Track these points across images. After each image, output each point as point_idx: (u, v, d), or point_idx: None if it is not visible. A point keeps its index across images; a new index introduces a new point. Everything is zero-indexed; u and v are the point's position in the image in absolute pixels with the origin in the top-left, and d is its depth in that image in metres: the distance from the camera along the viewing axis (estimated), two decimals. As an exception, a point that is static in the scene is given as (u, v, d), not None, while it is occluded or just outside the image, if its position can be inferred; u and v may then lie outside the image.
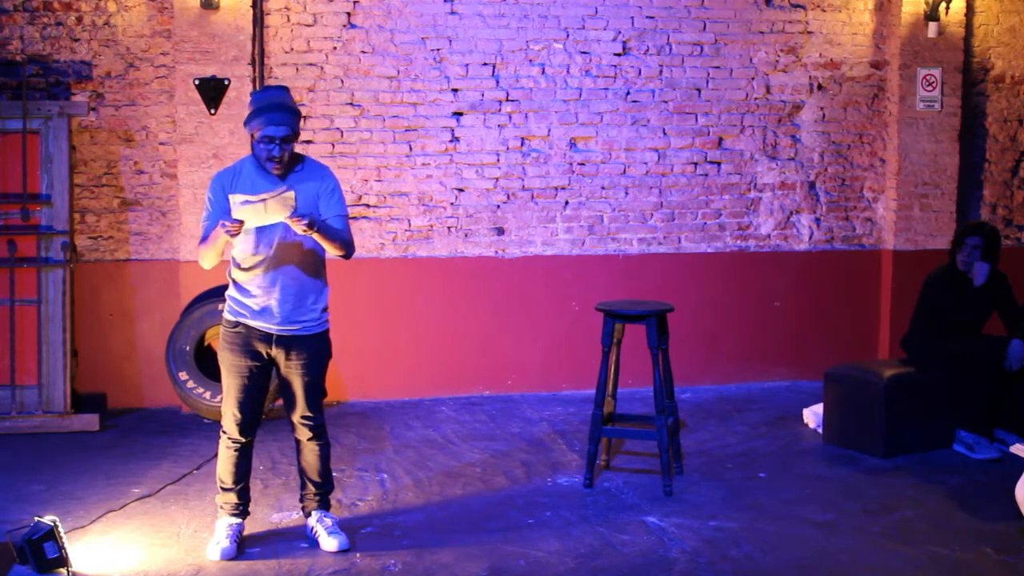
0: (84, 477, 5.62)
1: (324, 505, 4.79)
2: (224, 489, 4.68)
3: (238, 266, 4.52)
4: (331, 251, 4.49)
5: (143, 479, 5.60)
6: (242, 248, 4.47)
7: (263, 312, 4.49)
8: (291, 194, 4.23)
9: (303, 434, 4.68)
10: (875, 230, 8.11)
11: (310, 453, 4.72)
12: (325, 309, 4.63)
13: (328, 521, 4.73)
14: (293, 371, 4.57)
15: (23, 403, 6.52)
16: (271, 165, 4.40)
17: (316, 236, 4.34)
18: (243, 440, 4.63)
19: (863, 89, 8.00)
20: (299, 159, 4.55)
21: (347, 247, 4.50)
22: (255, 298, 4.49)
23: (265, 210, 4.20)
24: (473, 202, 7.47)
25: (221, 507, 4.70)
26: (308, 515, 4.78)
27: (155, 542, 4.71)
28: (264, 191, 4.32)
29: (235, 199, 4.25)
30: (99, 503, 5.20)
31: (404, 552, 4.62)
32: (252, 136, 4.42)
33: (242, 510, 4.72)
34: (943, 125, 7.97)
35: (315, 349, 4.59)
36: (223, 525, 4.66)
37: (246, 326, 4.53)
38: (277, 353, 4.54)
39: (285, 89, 4.54)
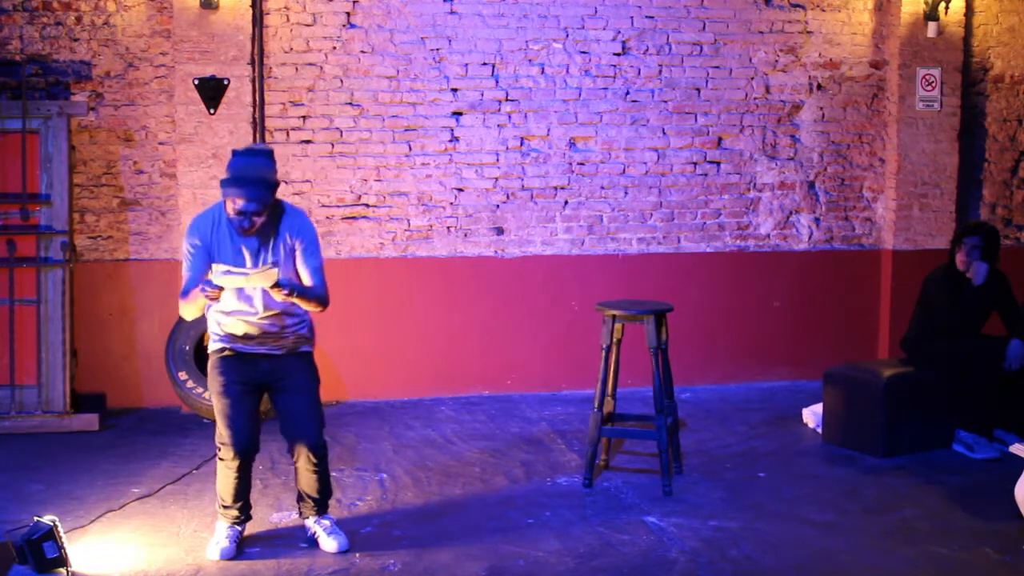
0: (84, 477, 5.62)
1: (322, 512, 4.77)
2: (225, 507, 4.66)
3: (220, 310, 4.52)
4: (308, 308, 4.53)
5: (143, 479, 5.60)
6: (225, 299, 4.47)
7: (246, 341, 4.53)
8: (275, 271, 4.27)
9: (299, 455, 4.66)
10: (874, 230, 8.11)
11: (306, 473, 4.68)
12: (309, 339, 4.66)
13: (327, 522, 4.72)
14: (283, 393, 4.59)
15: (22, 403, 6.52)
16: (241, 230, 4.38)
17: (295, 300, 4.40)
18: (241, 463, 4.61)
19: (862, 89, 8.00)
20: (274, 213, 4.44)
21: (323, 302, 4.54)
22: (237, 333, 4.52)
23: (247, 281, 4.29)
24: (472, 202, 7.47)
25: (221, 516, 4.68)
26: (306, 517, 4.77)
27: (155, 542, 4.71)
28: (241, 247, 4.38)
29: (218, 268, 4.32)
30: (99, 503, 5.20)
31: (404, 552, 4.62)
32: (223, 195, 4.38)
33: (242, 519, 4.71)
34: (942, 125, 7.97)
35: (302, 370, 4.61)
36: (223, 526, 4.65)
37: (232, 349, 4.56)
38: (266, 375, 4.57)
39: (266, 155, 4.43)
